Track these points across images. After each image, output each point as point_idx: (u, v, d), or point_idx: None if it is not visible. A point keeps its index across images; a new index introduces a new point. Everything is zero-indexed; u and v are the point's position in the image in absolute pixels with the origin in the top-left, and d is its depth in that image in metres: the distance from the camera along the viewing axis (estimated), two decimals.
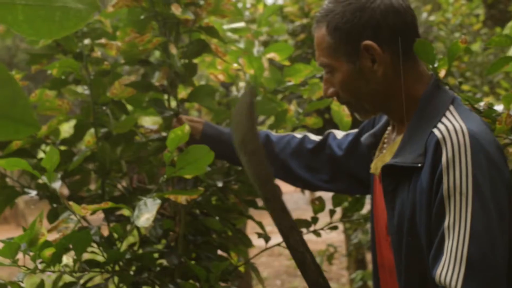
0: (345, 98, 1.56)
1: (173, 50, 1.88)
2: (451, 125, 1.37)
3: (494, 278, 1.32)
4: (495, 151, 1.37)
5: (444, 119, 1.41)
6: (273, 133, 1.91)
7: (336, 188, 1.90)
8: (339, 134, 1.87)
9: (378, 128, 1.68)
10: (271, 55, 2.17)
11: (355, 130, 1.83)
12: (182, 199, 1.63)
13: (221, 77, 2.17)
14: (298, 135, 1.90)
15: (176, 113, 1.94)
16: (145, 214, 1.57)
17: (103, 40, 1.97)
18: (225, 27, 2.31)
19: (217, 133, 1.90)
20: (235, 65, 2.13)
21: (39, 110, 1.93)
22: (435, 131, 1.38)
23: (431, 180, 1.37)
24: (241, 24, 2.32)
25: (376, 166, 1.58)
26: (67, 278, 1.79)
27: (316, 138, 1.89)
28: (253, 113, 1.50)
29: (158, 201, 1.58)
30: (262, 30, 2.29)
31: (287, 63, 2.19)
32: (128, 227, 1.80)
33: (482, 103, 1.54)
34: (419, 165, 1.39)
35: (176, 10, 1.84)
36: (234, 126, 1.62)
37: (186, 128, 1.56)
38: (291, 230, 1.45)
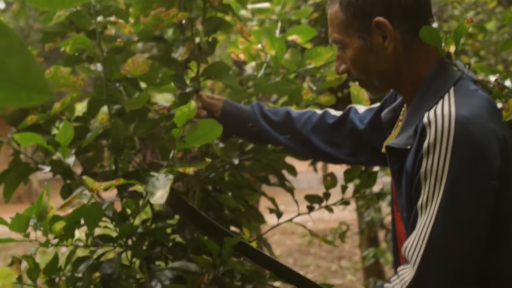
0: (356, 75, 1.57)
1: (199, 26, 1.88)
2: (440, 110, 1.37)
3: (456, 263, 1.34)
4: (487, 140, 1.34)
5: (439, 103, 1.40)
6: (293, 110, 1.92)
7: (359, 161, 1.92)
8: (361, 108, 1.88)
9: (398, 103, 1.68)
10: (293, 37, 2.16)
11: (377, 104, 1.84)
12: (190, 170, 1.62)
13: (242, 56, 2.17)
14: (318, 111, 1.92)
15: (196, 90, 1.94)
16: (160, 190, 1.55)
17: (115, 18, 1.98)
18: (249, 6, 2.31)
19: (236, 111, 1.90)
20: (259, 46, 2.13)
21: (54, 87, 1.93)
22: (425, 114, 1.38)
23: (413, 163, 1.39)
24: (266, 5, 2.32)
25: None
26: (80, 253, 1.81)
27: (336, 113, 1.90)
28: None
29: (171, 177, 1.57)
30: (286, 12, 2.29)
31: (308, 46, 2.18)
32: (141, 202, 1.81)
33: (493, 78, 1.52)
34: (409, 147, 1.41)
35: None
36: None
37: (193, 104, 1.55)
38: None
